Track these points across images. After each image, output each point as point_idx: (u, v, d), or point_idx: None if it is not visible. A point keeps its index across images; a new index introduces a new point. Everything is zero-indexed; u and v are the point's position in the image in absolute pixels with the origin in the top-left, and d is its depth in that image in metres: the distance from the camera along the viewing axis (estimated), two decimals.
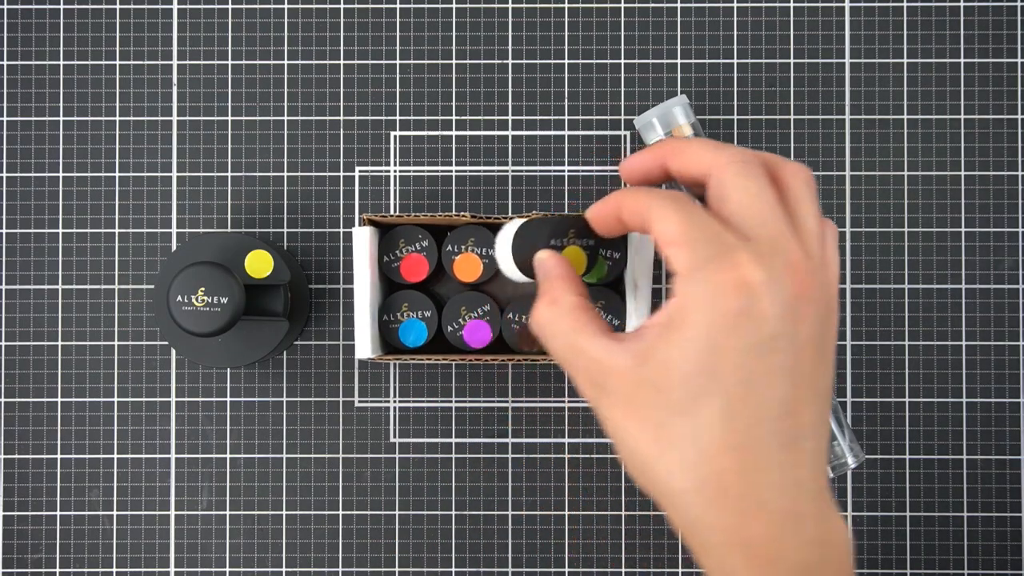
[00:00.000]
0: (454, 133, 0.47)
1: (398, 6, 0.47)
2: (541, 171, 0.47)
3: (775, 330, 0.29)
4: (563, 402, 0.47)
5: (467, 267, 0.43)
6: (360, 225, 0.41)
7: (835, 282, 0.32)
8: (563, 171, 0.47)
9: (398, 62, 0.47)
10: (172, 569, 0.47)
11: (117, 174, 0.47)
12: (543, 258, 0.35)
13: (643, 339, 0.30)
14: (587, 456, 0.47)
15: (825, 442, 0.31)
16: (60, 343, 0.47)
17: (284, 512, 0.47)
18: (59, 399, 0.47)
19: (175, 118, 0.47)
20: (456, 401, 0.47)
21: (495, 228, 0.43)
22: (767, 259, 0.29)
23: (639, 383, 0.30)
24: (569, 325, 0.32)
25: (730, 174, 0.31)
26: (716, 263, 0.29)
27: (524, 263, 0.37)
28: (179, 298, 0.40)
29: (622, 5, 0.47)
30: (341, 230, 0.47)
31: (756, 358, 0.29)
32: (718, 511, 0.29)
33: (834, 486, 0.47)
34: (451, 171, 0.47)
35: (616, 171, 0.47)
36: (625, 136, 0.47)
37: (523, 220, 0.38)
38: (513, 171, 0.47)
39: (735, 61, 0.47)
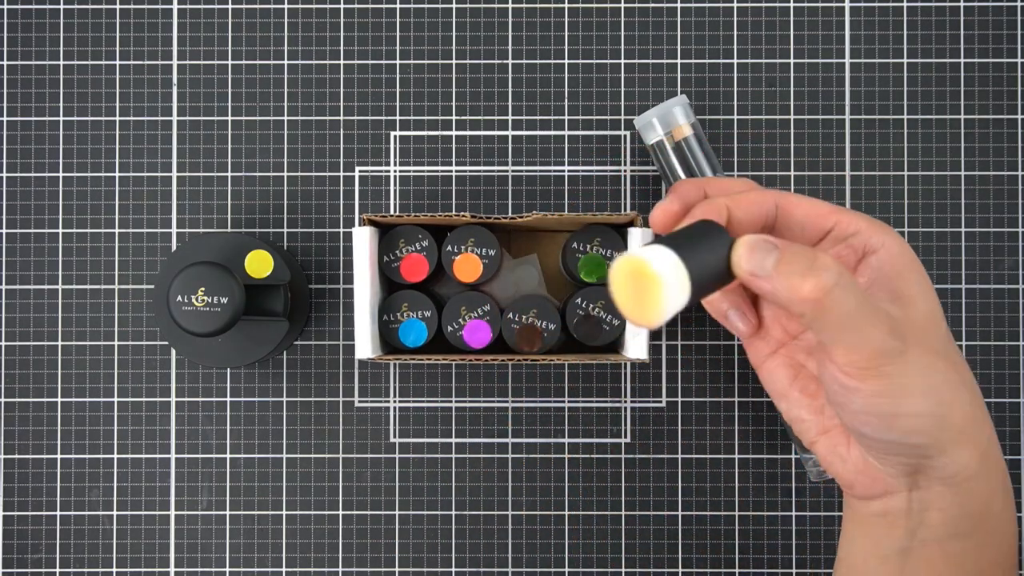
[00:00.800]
0: (454, 133, 0.47)
1: (398, 6, 0.47)
2: (541, 171, 0.47)
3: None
4: (563, 402, 0.47)
5: (467, 267, 0.43)
6: (360, 225, 0.41)
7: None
8: (563, 171, 0.47)
9: (398, 62, 0.47)
10: (172, 569, 0.47)
11: (117, 174, 0.47)
12: (760, 238, 0.31)
13: (900, 283, 0.33)
14: (587, 456, 0.47)
15: None
16: (60, 343, 0.47)
17: (284, 512, 0.47)
18: (59, 399, 0.47)
19: (175, 118, 0.47)
20: (456, 401, 0.47)
21: (495, 228, 0.43)
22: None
23: (926, 325, 0.33)
24: (853, 285, 0.31)
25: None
26: (880, 223, 0.34)
27: (709, 273, 0.31)
28: (179, 298, 0.40)
29: (622, 5, 0.47)
30: (341, 230, 0.47)
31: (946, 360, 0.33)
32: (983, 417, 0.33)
33: (835, 486, 0.47)
34: (451, 171, 0.47)
35: (617, 171, 0.47)
36: (625, 136, 0.47)
37: (642, 247, 0.31)
38: (513, 171, 0.47)
39: (735, 61, 0.47)
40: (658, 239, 0.31)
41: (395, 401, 0.47)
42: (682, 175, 0.44)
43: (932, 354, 0.32)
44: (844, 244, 0.34)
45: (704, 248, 0.31)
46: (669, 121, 0.44)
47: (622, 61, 0.47)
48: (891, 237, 0.33)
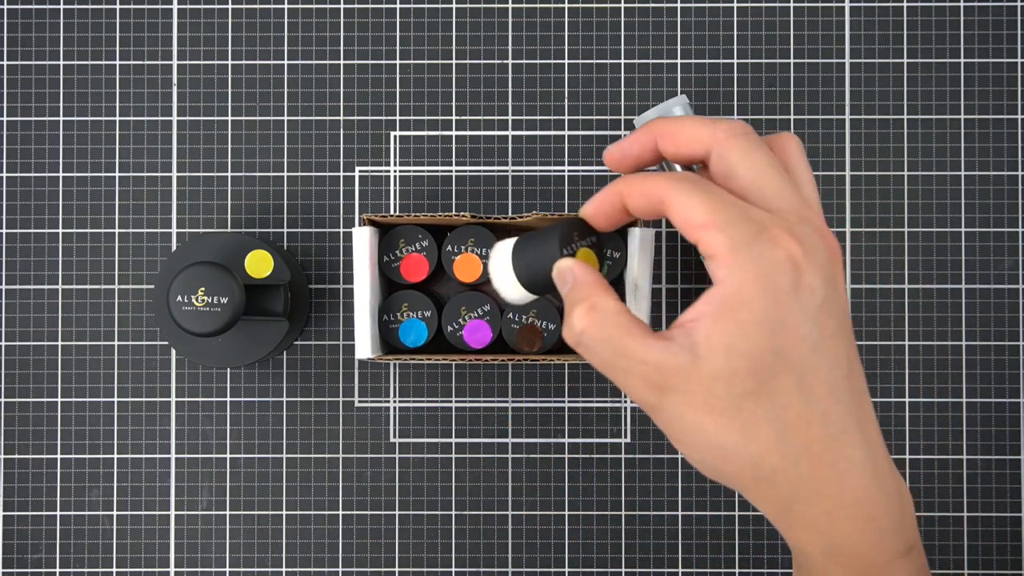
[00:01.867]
0: (454, 133, 0.47)
1: (398, 6, 0.47)
2: (541, 171, 0.47)
3: (824, 296, 0.29)
4: (563, 402, 0.47)
5: (467, 267, 0.43)
6: (360, 225, 0.41)
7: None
8: (563, 171, 0.47)
9: (398, 62, 0.47)
10: (172, 569, 0.47)
11: (117, 174, 0.47)
12: (568, 266, 0.33)
13: (696, 331, 0.29)
14: (587, 456, 0.47)
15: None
16: (60, 343, 0.47)
17: (284, 512, 0.47)
18: (59, 399, 0.47)
19: (175, 118, 0.47)
20: (456, 401, 0.47)
21: (495, 228, 0.43)
22: (798, 229, 0.29)
23: (708, 376, 0.29)
24: (616, 330, 0.30)
25: (735, 148, 0.31)
26: (759, 241, 0.29)
27: (534, 280, 0.35)
28: (179, 298, 0.40)
29: (622, 5, 0.47)
30: (341, 230, 0.47)
31: (815, 327, 0.29)
32: (817, 481, 0.29)
33: None
34: (451, 171, 0.47)
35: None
36: (625, 136, 0.47)
37: (513, 239, 0.36)
38: (513, 171, 0.47)
39: (735, 61, 0.47)
40: (521, 237, 0.36)
41: (395, 401, 0.47)
42: None
43: (701, 411, 0.29)
44: (706, 261, 0.31)
45: (535, 254, 0.35)
46: None
47: (622, 61, 0.47)
48: (741, 270, 0.29)
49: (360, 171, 0.47)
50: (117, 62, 0.47)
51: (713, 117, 0.32)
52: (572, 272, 0.33)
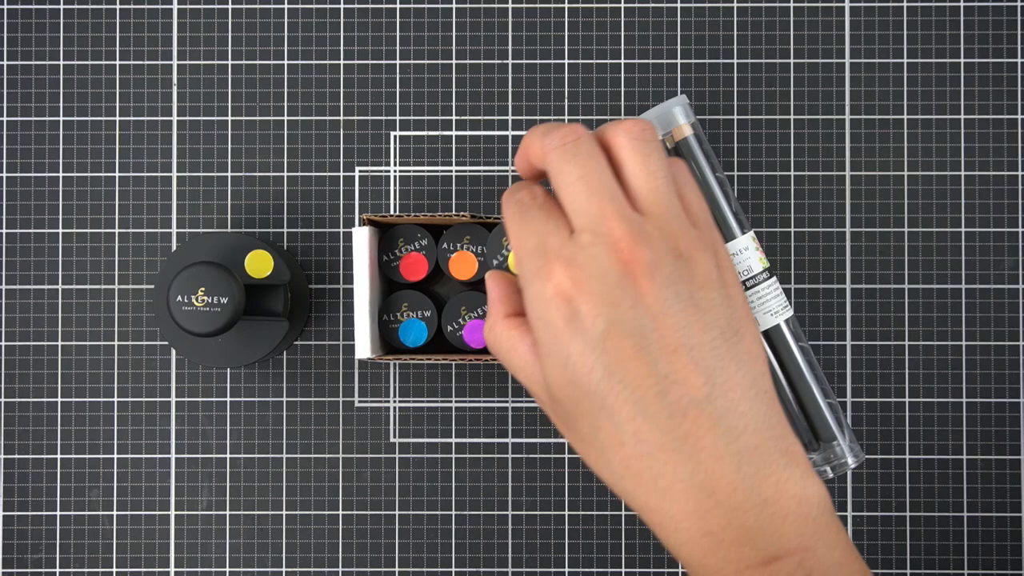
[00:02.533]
0: (454, 133, 0.47)
1: (398, 6, 0.47)
2: None
3: (610, 318, 0.28)
4: None
5: (462, 265, 0.43)
6: (360, 225, 0.41)
7: (704, 237, 0.30)
8: None
9: (398, 62, 0.47)
10: (172, 569, 0.47)
11: (117, 174, 0.47)
12: (486, 280, 0.35)
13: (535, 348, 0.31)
14: None
15: (738, 395, 0.29)
16: (60, 343, 0.47)
17: (284, 512, 0.47)
18: (59, 399, 0.47)
19: (175, 118, 0.47)
20: (456, 401, 0.47)
21: (493, 227, 0.43)
22: (587, 250, 0.29)
23: (543, 393, 0.31)
24: (505, 348, 0.32)
25: (552, 162, 0.30)
26: (537, 279, 0.29)
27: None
28: (179, 298, 0.40)
29: (622, 5, 0.47)
30: (341, 230, 0.47)
31: (602, 354, 0.28)
32: (643, 497, 0.29)
33: (834, 486, 0.47)
34: (451, 171, 0.47)
35: None
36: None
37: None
38: (513, 171, 0.47)
39: (735, 61, 0.47)
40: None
41: (395, 401, 0.47)
42: None
43: (551, 412, 0.31)
44: None
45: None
46: (669, 121, 0.44)
47: (622, 61, 0.47)
48: (527, 312, 0.30)
49: (360, 171, 0.47)
50: (117, 62, 0.47)
51: (559, 124, 0.31)
52: (487, 286, 0.34)
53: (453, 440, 0.47)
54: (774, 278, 0.43)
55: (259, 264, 0.43)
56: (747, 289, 0.43)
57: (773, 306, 0.43)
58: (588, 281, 0.28)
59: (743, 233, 0.43)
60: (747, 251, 0.43)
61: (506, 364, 0.33)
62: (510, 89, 0.47)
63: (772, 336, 0.43)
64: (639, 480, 0.29)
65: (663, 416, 0.28)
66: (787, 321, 0.43)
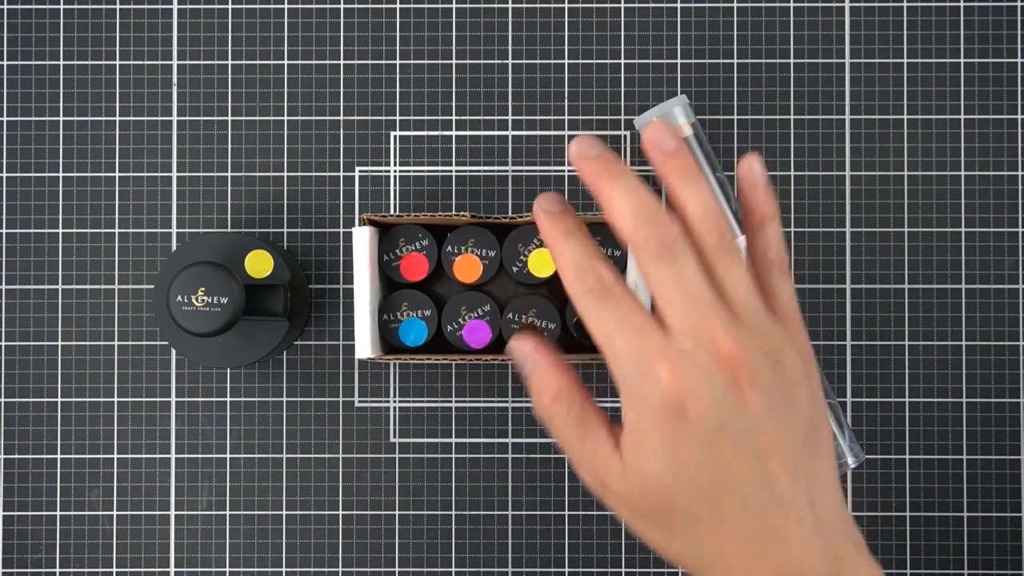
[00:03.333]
0: (454, 133, 0.47)
1: (398, 6, 0.47)
2: (541, 171, 0.47)
3: (719, 422, 0.30)
4: None
5: (467, 268, 0.43)
6: (360, 225, 0.41)
7: (792, 333, 0.32)
8: (563, 171, 0.47)
9: (398, 62, 0.47)
10: (172, 569, 0.47)
11: (117, 174, 0.47)
12: (526, 348, 0.34)
13: (623, 442, 0.32)
14: None
15: (819, 489, 0.31)
16: (60, 343, 0.47)
17: (284, 512, 0.47)
18: (59, 399, 0.47)
19: (175, 118, 0.47)
20: (456, 401, 0.47)
21: (495, 228, 0.43)
22: (691, 356, 0.30)
23: (631, 485, 0.31)
24: (575, 421, 0.33)
25: (646, 263, 0.31)
26: (641, 382, 0.30)
27: None
28: (179, 298, 0.40)
29: (622, 5, 0.47)
30: (341, 230, 0.47)
31: (710, 452, 0.30)
32: None
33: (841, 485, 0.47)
34: (451, 171, 0.47)
35: None
36: (625, 136, 0.47)
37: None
38: (513, 171, 0.47)
39: (735, 61, 0.47)
40: None
41: (395, 401, 0.47)
42: None
43: (630, 515, 0.32)
44: None
45: None
46: (669, 121, 0.44)
47: (622, 61, 0.47)
48: (628, 409, 0.31)
49: (360, 171, 0.47)
50: (117, 62, 0.47)
51: (647, 199, 0.31)
52: (531, 355, 0.34)
53: (453, 440, 0.47)
54: None
55: (259, 264, 0.43)
56: None
57: None
58: (697, 387, 0.30)
59: (743, 234, 0.43)
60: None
61: (571, 435, 0.33)
62: (510, 89, 0.47)
63: None
64: (732, 567, 0.31)
65: (759, 511, 0.31)
66: None
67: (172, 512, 0.47)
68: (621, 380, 0.31)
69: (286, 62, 0.47)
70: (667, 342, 0.30)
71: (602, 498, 0.33)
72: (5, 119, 0.47)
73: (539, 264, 0.42)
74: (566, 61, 0.47)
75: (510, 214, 0.47)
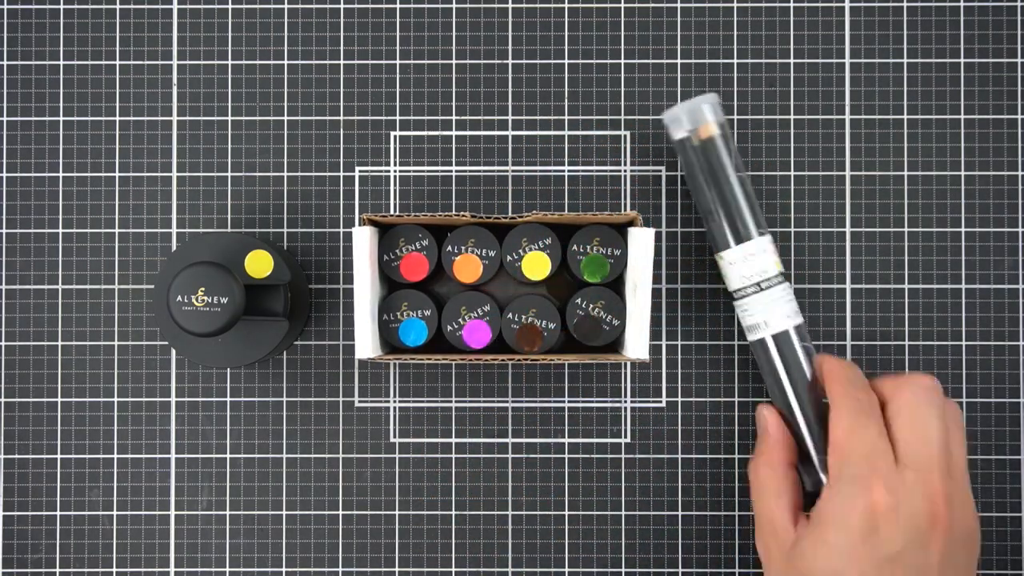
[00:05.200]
0: (454, 133, 0.47)
1: (398, 6, 0.47)
2: (541, 171, 0.47)
3: (901, 550, 0.34)
4: (563, 402, 0.47)
5: (467, 268, 0.43)
6: (360, 225, 0.41)
7: (954, 466, 0.37)
8: (563, 171, 0.47)
9: (398, 62, 0.47)
10: (172, 569, 0.47)
11: (117, 174, 0.47)
12: (767, 415, 0.41)
13: (804, 526, 0.37)
14: (587, 456, 0.47)
15: None
16: (60, 343, 0.47)
17: (284, 512, 0.47)
18: (59, 399, 0.47)
19: (175, 118, 0.47)
20: (456, 401, 0.47)
21: (495, 228, 0.43)
22: (908, 488, 0.35)
23: (791, 564, 0.36)
24: (776, 489, 0.39)
25: (909, 395, 0.36)
26: (853, 485, 0.35)
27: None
28: (179, 298, 0.40)
29: (622, 5, 0.47)
30: (341, 230, 0.47)
31: (878, 570, 0.34)
32: None
33: None
34: (451, 171, 0.47)
35: (617, 171, 0.47)
36: (625, 136, 0.47)
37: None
38: (513, 171, 0.47)
39: (735, 61, 0.47)
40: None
41: (395, 401, 0.47)
42: (702, 178, 0.43)
43: (820, 545, 0.36)
44: None
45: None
46: (697, 118, 0.43)
47: (622, 61, 0.47)
48: (826, 502, 0.37)
49: (360, 171, 0.47)
50: (117, 62, 0.47)
51: (920, 375, 0.39)
52: (769, 423, 0.41)
53: (453, 440, 0.47)
54: (787, 283, 0.43)
55: (259, 264, 0.43)
56: (761, 291, 0.43)
57: (787, 310, 0.43)
58: (900, 514, 0.35)
59: (761, 235, 0.43)
60: (764, 253, 0.43)
61: (759, 497, 0.40)
62: (510, 89, 0.47)
63: (779, 340, 0.43)
64: None
65: None
66: (796, 327, 0.43)
67: (172, 512, 0.47)
68: (835, 473, 0.36)
69: (286, 62, 0.47)
70: (893, 469, 0.35)
71: (765, 555, 0.38)
72: (5, 119, 0.47)
73: (532, 266, 0.42)
74: (566, 61, 0.47)
75: (510, 214, 0.47)
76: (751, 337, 0.43)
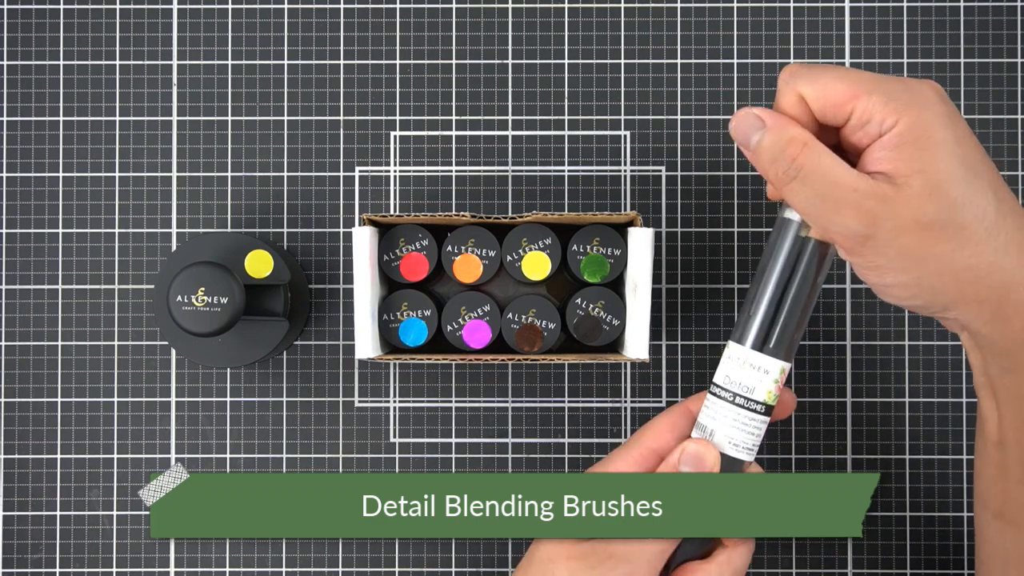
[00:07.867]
0: (454, 133, 0.47)
1: (398, 6, 0.47)
2: (541, 171, 0.47)
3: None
4: (563, 402, 0.47)
5: (467, 268, 0.43)
6: (360, 225, 0.41)
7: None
8: (563, 171, 0.47)
9: (398, 62, 0.47)
10: (172, 569, 0.47)
11: (117, 174, 0.47)
12: (750, 112, 0.34)
13: (886, 168, 0.32)
14: (587, 456, 0.47)
15: None
16: (60, 343, 0.47)
17: None
18: (59, 399, 0.47)
19: (175, 118, 0.47)
20: (456, 401, 0.47)
21: (495, 228, 0.43)
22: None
23: (914, 197, 0.32)
24: (831, 162, 0.33)
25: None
26: (907, 88, 0.33)
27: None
28: (179, 298, 0.40)
29: (622, 5, 0.47)
30: (341, 230, 0.47)
31: (976, 148, 0.34)
32: None
33: None
34: (451, 171, 0.47)
35: (617, 171, 0.47)
36: (625, 136, 0.47)
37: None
38: (513, 171, 0.47)
39: (735, 61, 0.47)
40: None
41: (395, 401, 0.47)
42: (779, 268, 0.36)
43: (913, 230, 0.32)
44: (862, 132, 0.33)
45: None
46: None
47: (622, 61, 0.47)
48: (908, 111, 0.32)
49: (360, 171, 0.47)
50: (117, 62, 0.47)
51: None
52: (759, 118, 0.34)
53: (453, 440, 0.47)
54: (766, 419, 0.36)
55: (259, 264, 0.43)
56: (733, 405, 0.36)
57: (745, 440, 0.36)
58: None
59: (778, 357, 0.36)
60: (766, 376, 0.36)
61: (827, 180, 0.33)
62: (510, 89, 0.47)
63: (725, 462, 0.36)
64: (1022, 250, 0.33)
65: (1015, 198, 0.35)
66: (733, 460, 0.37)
67: None
68: (883, 102, 0.32)
69: (286, 62, 0.47)
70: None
71: (868, 238, 0.33)
72: (5, 119, 0.47)
73: (532, 266, 0.42)
74: (566, 61, 0.47)
75: (510, 214, 0.47)
76: (695, 433, 0.37)
